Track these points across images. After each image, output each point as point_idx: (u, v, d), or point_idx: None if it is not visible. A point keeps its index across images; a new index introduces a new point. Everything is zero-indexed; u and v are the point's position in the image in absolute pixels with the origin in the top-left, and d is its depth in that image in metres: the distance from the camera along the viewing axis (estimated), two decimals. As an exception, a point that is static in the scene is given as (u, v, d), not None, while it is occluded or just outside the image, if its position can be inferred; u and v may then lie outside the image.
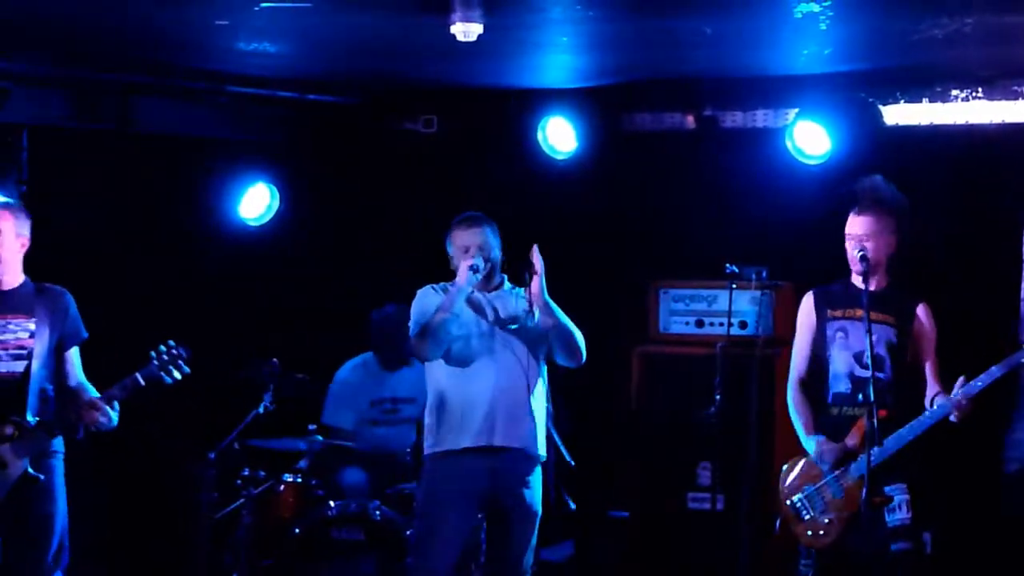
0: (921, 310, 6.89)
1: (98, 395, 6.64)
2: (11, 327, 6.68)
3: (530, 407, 6.85)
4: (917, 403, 6.77)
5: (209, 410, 8.38)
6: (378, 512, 7.79)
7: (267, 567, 7.78)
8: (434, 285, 7.01)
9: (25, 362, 6.62)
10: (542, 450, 6.97)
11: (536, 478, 6.93)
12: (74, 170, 8.40)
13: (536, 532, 6.94)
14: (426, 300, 6.93)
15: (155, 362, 6.62)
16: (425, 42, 7.17)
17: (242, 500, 7.87)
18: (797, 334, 7.11)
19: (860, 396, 6.71)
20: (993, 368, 6.57)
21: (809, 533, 6.93)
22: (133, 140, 8.61)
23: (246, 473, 7.91)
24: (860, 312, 6.71)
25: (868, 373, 6.56)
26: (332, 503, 7.83)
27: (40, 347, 6.64)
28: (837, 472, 6.84)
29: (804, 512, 6.93)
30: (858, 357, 6.82)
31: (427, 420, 6.99)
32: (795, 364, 7.08)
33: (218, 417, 8.10)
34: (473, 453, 6.78)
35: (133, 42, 7.48)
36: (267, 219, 9.06)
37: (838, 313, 6.95)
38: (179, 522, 8.34)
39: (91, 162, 8.43)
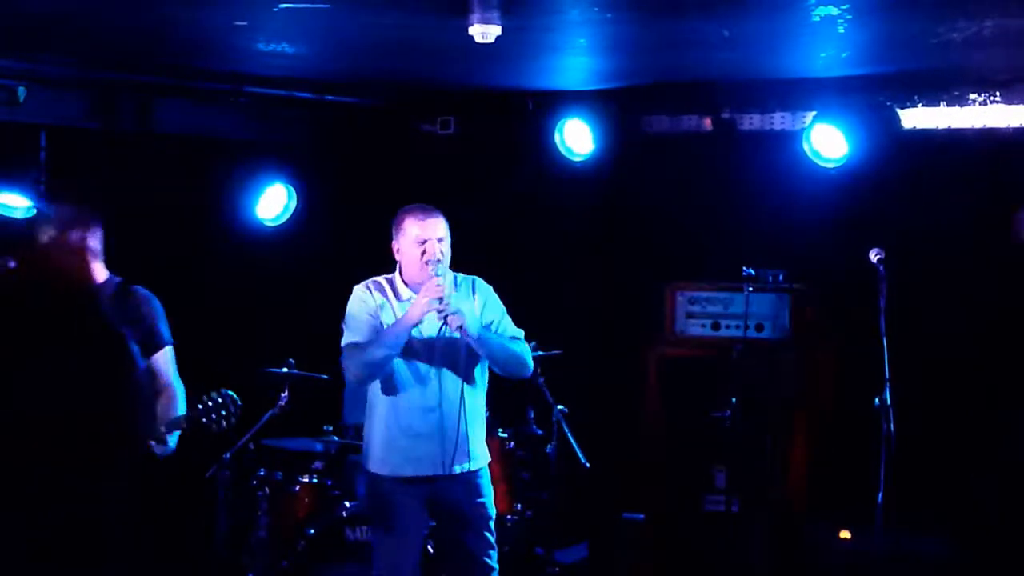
0: None
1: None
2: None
3: (473, 426, 6.59)
4: None
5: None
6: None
7: (283, 567, 7.78)
8: (368, 284, 6.75)
9: None
10: (485, 457, 6.71)
11: (484, 482, 6.68)
12: (92, 171, 8.42)
13: (493, 534, 6.67)
14: (360, 308, 6.68)
15: (200, 407, 6.44)
16: (443, 44, 7.17)
17: (258, 500, 7.89)
18: None
19: None
20: None
21: None
22: (151, 141, 8.62)
23: (262, 473, 7.94)
24: None
25: None
26: (347, 503, 7.84)
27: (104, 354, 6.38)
28: None
29: None
30: None
31: (365, 433, 6.74)
32: None
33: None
34: (417, 481, 6.55)
35: (152, 43, 7.50)
36: (284, 219, 9.08)
37: None
38: (195, 522, 8.36)
39: (109, 163, 8.45)
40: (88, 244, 6.68)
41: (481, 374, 6.68)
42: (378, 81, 8.91)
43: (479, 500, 6.64)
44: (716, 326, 8.60)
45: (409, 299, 6.60)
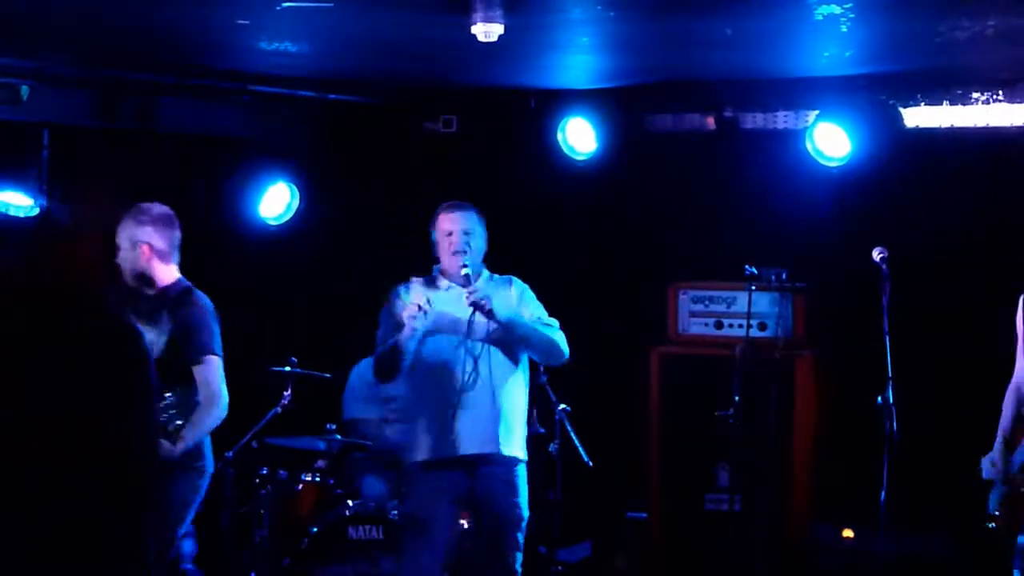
0: None
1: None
2: (147, 336, 6.66)
3: (505, 410, 6.76)
4: None
5: (228, 408, 8.39)
6: (396, 511, 7.80)
7: (285, 566, 7.79)
8: (400, 287, 6.95)
9: None
10: (520, 452, 6.88)
11: (519, 481, 6.85)
12: (95, 170, 8.41)
13: (523, 536, 6.85)
14: (387, 312, 6.88)
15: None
16: (446, 42, 7.17)
17: (261, 499, 7.89)
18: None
19: None
20: None
21: None
22: (154, 139, 8.62)
23: (264, 472, 7.94)
24: None
25: None
26: (350, 502, 7.84)
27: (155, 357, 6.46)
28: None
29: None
30: None
31: (405, 428, 6.99)
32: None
33: (236, 415, 8.10)
34: (450, 463, 6.72)
35: (155, 41, 7.50)
36: (287, 218, 9.08)
37: None
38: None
39: (112, 161, 8.45)
40: (154, 245, 6.70)
41: (516, 363, 6.84)
42: (381, 80, 8.91)
43: (514, 499, 6.78)
44: (719, 325, 8.60)
45: (448, 288, 6.84)
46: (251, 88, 8.67)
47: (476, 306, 6.59)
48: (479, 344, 6.70)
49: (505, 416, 6.76)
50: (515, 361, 6.85)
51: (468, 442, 6.68)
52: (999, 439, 6.72)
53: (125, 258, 6.74)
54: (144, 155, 8.55)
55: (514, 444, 6.83)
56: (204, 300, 6.79)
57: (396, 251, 9.43)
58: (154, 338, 6.55)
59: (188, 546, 7.28)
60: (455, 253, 6.78)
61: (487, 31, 6.49)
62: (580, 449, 7.89)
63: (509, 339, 6.75)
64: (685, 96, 8.80)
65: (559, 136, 8.82)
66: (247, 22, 6.88)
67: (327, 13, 6.58)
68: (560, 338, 6.85)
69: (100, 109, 8.39)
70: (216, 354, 6.65)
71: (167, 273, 6.81)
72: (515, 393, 6.86)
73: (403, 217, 9.55)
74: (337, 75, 8.70)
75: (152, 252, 6.76)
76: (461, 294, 6.72)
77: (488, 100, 9.13)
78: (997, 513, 6.62)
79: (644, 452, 8.68)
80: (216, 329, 6.72)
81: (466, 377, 6.68)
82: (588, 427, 8.09)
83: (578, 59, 8.02)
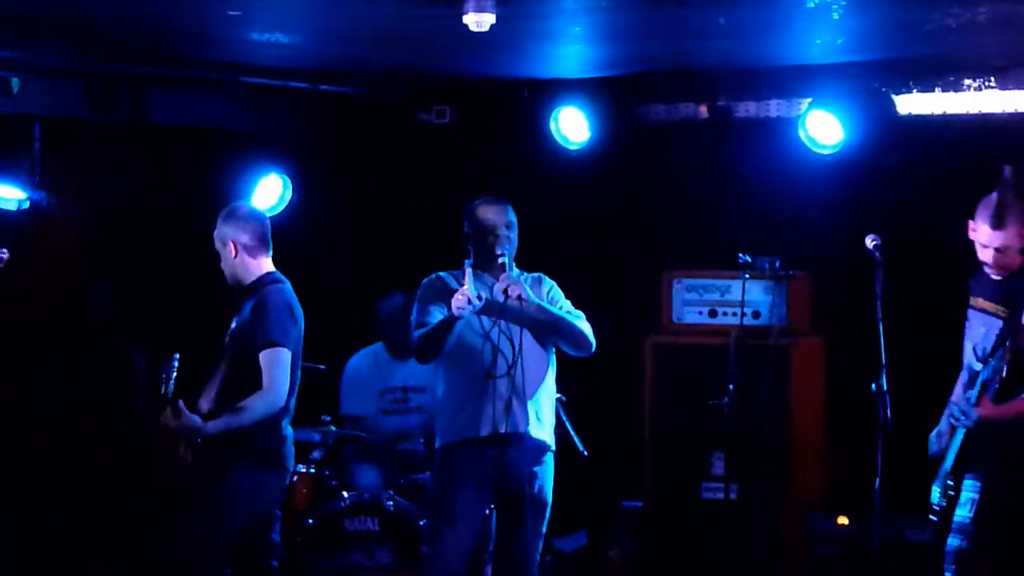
0: None
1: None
2: (229, 328, 6.87)
3: (536, 396, 6.85)
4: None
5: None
6: (391, 502, 7.81)
7: (282, 558, 7.79)
8: (442, 273, 6.99)
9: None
10: (550, 439, 6.97)
11: (547, 467, 6.92)
12: (86, 161, 8.40)
13: (546, 521, 6.93)
14: (432, 294, 6.91)
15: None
16: (438, 33, 7.16)
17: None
18: None
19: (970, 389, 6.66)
20: None
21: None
22: (146, 131, 8.61)
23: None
24: (981, 302, 6.75)
25: (979, 366, 6.60)
26: (345, 494, 7.84)
27: (232, 347, 6.75)
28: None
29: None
30: (976, 348, 6.74)
31: (437, 411, 7.03)
32: None
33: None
34: (479, 443, 6.76)
35: (146, 33, 7.48)
36: (280, 210, 9.06)
37: (971, 301, 6.88)
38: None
39: (103, 153, 8.44)
40: (240, 242, 6.84)
41: (546, 351, 6.92)
42: (373, 71, 8.89)
43: (540, 483, 6.85)
44: (713, 313, 8.60)
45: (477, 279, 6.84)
46: (243, 79, 8.66)
47: (508, 292, 6.62)
48: (513, 328, 6.75)
49: (536, 400, 6.84)
50: (545, 349, 6.92)
51: (499, 423, 6.71)
52: (946, 414, 6.76)
53: (221, 258, 6.98)
54: (135, 147, 8.54)
55: (544, 429, 6.91)
56: (283, 291, 6.90)
57: (389, 241, 9.45)
58: (236, 327, 6.79)
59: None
60: (496, 243, 6.84)
61: (479, 21, 6.48)
62: (575, 439, 7.88)
63: (540, 326, 6.81)
64: (678, 85, 8.79)
65: (552, 126, 8.81)
66: (239, 13, 6.87)
67: (318, 3, 6.59)
68: (588, 329, 6.91)
69: (91, 101, 8.38)
70: (281, 344, 6.70)
71: (257, 267, 6.95)
72: (546, 381, 6.94)
73: (396, 208, 9.57)
74: (329, 66, 8.69)
75: (239, 249, 6.92)
76: (494, 284, 6.79)
77: (481, 90, 9.12)
78: (938, 508, 6.64)
79: (639, 441, 8.68)
80: (288, 321, 6.79)
81: (499, 360, 6.74)
82: (583, 417, 8.08)
83: (571, 49, 8.01)
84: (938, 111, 8.20)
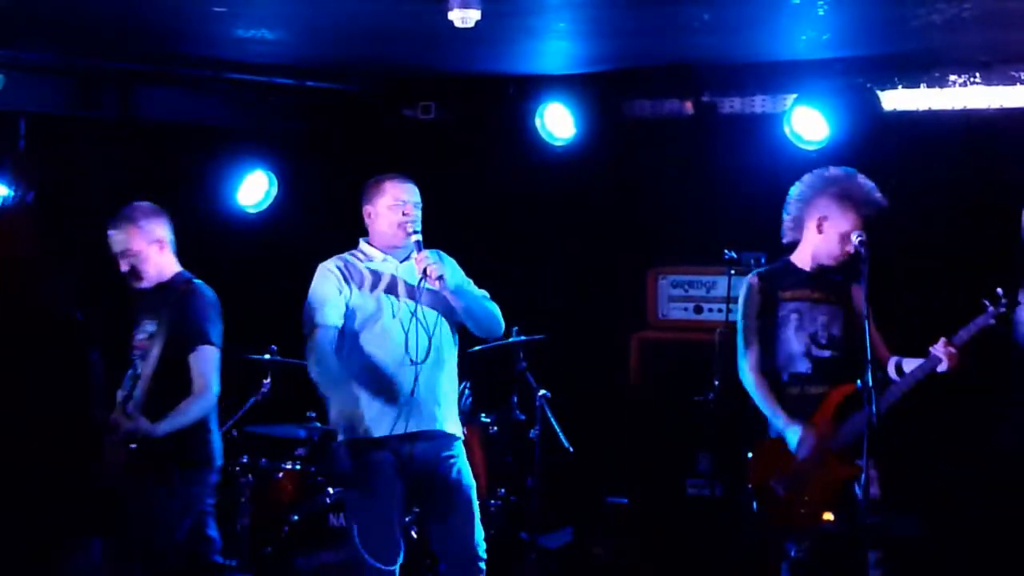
0: (854, 290, 6.88)
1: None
2: (142, 328, 6.69)
3: (444, 386, 6.63)
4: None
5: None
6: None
7: (266, 554, 7.78)
8: (330, 264, 6.76)
9: (142, 364, 6.54)
10: (458, 429, 6.72)
11: (459, 454, 6.67)
12: (72, 158, 8.39)
13: (476, 506, 6.65)
14: (324, 290, 6.69)
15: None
16: (423, 28, 7.17)
17: (241, 487, 7.88)
18: (745, 319, 7.00)
19: (821, 375, 6.77)
20: (978, 318, 6.61)
21: (790, 514, 6.92)
22: (131, 128, 8.60)
23: (245, 460, 7.92)
24: (811, 293, 6.85)
25: (827, 353, 6.75)
26: (330, 490, 7.83)
27: (156, 349, 6.49)
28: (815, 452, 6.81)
29: (780, 492, 6.91)
30: (814, 337, 6.83)
31: (332, 401, 6.69)
32: (750, 349, 6.95)
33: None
34: (389, 441, 6.52)
35: (132, 29, 7.48)
36: (265, 206, 9.07)
37: (788, 295, 6.93)
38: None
39: (89, 150, 8.42)
40: (148, 240, 6.73)
41: (454, 336, 6.72)
42: (359, 67, 8.90)
43: (455, 463, 6.61)
44: (698, 309, 8.62)
45: (384, 259, 6.69)
46: (228, 76, 8.65)
47: (429, 272, 6.44)
48: (432, 314, 6.57)
49: (446, 394, 6.65)
50: (455, 332, 6.73)
51: (416, 419, 6.49)
52: None
53: (142, 257, 6.77)
54: (121, 144, 8.52)
55: (454, 421, 6.71)
56: (204, 291, 6.80)
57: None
58: (156, 330, 6.55)
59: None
60: (408, 221, 6.62)
61: (464, 17, 6.49)
62: (560, 435, 7.89)
63: (458, 308, 6.59)
64: (663, 81, 8.80)
65: (537, 122, 8.82)
66: (224, 9, 6.87)
67: (304, 0, 6.58)
68: (497, 310, 6.73)
69: (76, 98, 8.38)
70: (212, 344, 6.65)
71: (172, 265, 6.85)
72: (454, 367, 6.75)
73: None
74: (315, 62, 8.69)
75: (166, 246, 6.81)
76: (397, 264, 6.64)
77: (466, 86, 9.13)
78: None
79: (624, 438, 8.69)
80: (215, 320, 6.72)
81: (419, 349, 6.50)
82: (568, 413, 8.09)
83: (556, 45, 8.01)
84: (923, 107, 8.22)
